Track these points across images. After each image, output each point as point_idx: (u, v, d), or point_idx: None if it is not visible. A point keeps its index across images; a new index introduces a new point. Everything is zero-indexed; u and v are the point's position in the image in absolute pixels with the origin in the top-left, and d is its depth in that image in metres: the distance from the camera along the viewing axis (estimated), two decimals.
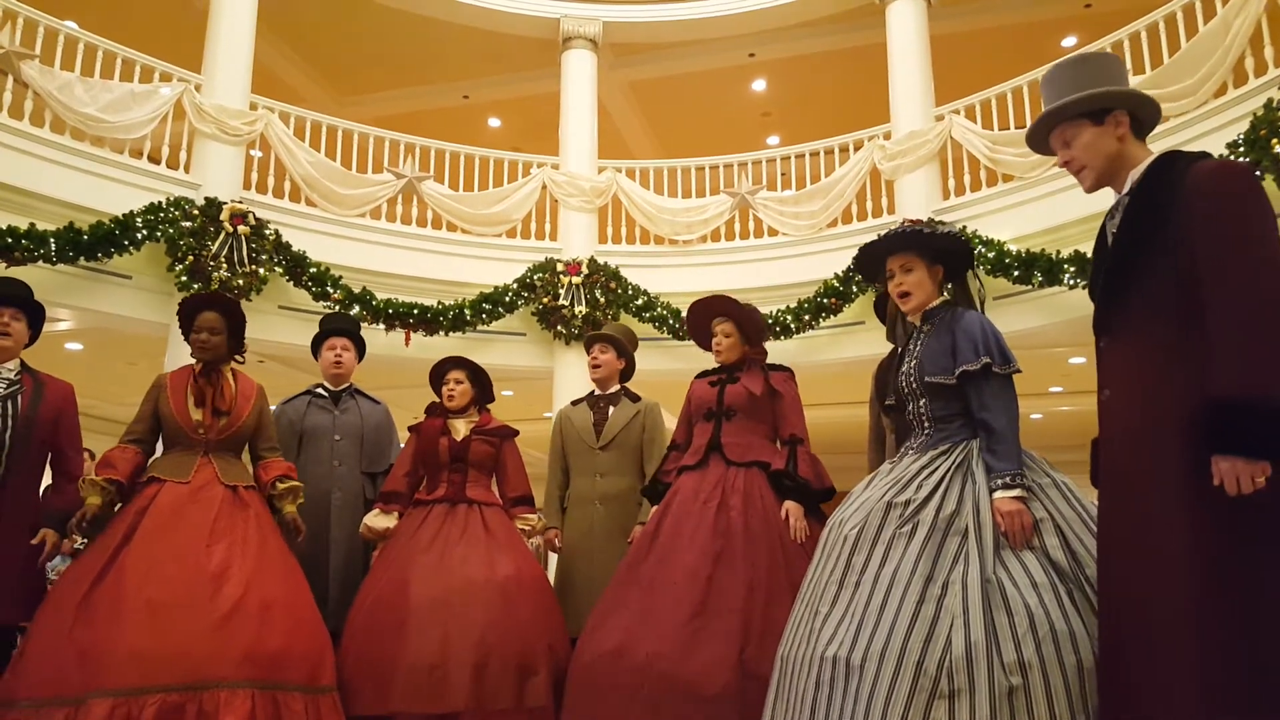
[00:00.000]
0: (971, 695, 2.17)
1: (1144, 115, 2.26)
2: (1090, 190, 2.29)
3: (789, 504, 3.43)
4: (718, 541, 3.32)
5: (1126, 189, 2.20)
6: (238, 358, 3.79)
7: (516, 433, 4.17)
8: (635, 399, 4.43)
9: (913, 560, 2.41)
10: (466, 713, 3.29)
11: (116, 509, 3.41)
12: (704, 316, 3.88)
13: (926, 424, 2.73)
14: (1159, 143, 7.07)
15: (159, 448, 3.64)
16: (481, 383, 4.19)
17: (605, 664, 3.22)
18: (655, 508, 3.71)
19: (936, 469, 2.59)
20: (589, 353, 4.45)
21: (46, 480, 3.65)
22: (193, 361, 3.72)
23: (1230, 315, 1.90)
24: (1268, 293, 1.89)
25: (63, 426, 3.59)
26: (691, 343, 9.03)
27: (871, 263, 2.94)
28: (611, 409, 4.37)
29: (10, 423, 3.42)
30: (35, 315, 3.69)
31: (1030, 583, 2.31)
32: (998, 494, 2.45)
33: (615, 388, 4.47)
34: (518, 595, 3.55)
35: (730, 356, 3.78)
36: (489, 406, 4.26)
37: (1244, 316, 1.89)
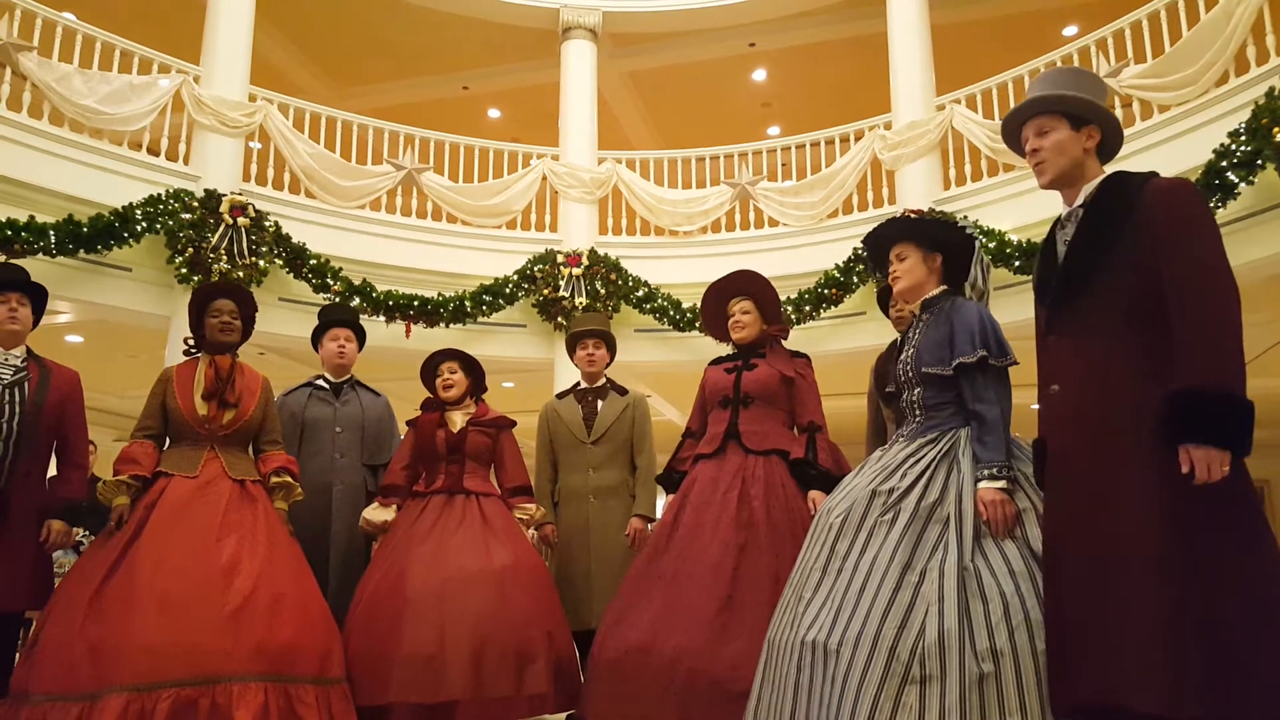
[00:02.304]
0: (942, 681, 2.20)
1: (1111, 140, 2.38)
2: (1045, 185, 2.41)
3: (814, 493, 3.41)
4: (741, 533, 3.30)
5: (1080, 201, 2.33)
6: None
7: (514, 423, 4.17)
8: (623, 392, 4.43)
9: (892, 547, 2.45)
10: (464, 702, 3.29)
11: None
12: (720, 300, 3.85)
13: (918, 412, 2.76)
14: (1160, 130, 7.08)
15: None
16: (475, 373, 4.19)
17: (632, 660, 3.21)
18: (670, 497, 3.69)
19: (923, 457, 2.62)
20: (581, 348, 4.43)
21: (53, 469, 3.66)
22: (192, 357, 3.73)
23: (1198, 315, 2.02)
24: (1228, 296, 2.03)
25: (69, 413, 3.59)
26: (692, 333, 9.04)
27: (879, 256, 3.00)
28: (600, 403, 4.36)
29: (18, 410, 3.42)
30: (38, 300, 3.69)
31: (1008, 571, 2.34)
32: (983, 484, 2.47)
33: (602, 381, 4.47)
34: (514, 584, 3.55)
35: (751, 334, 3.75)
36: (483, 397, 4.26)
37: (1211, 317, 2.01)
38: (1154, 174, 2.25)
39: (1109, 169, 2.39)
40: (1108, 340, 2.16)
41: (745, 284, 3.82)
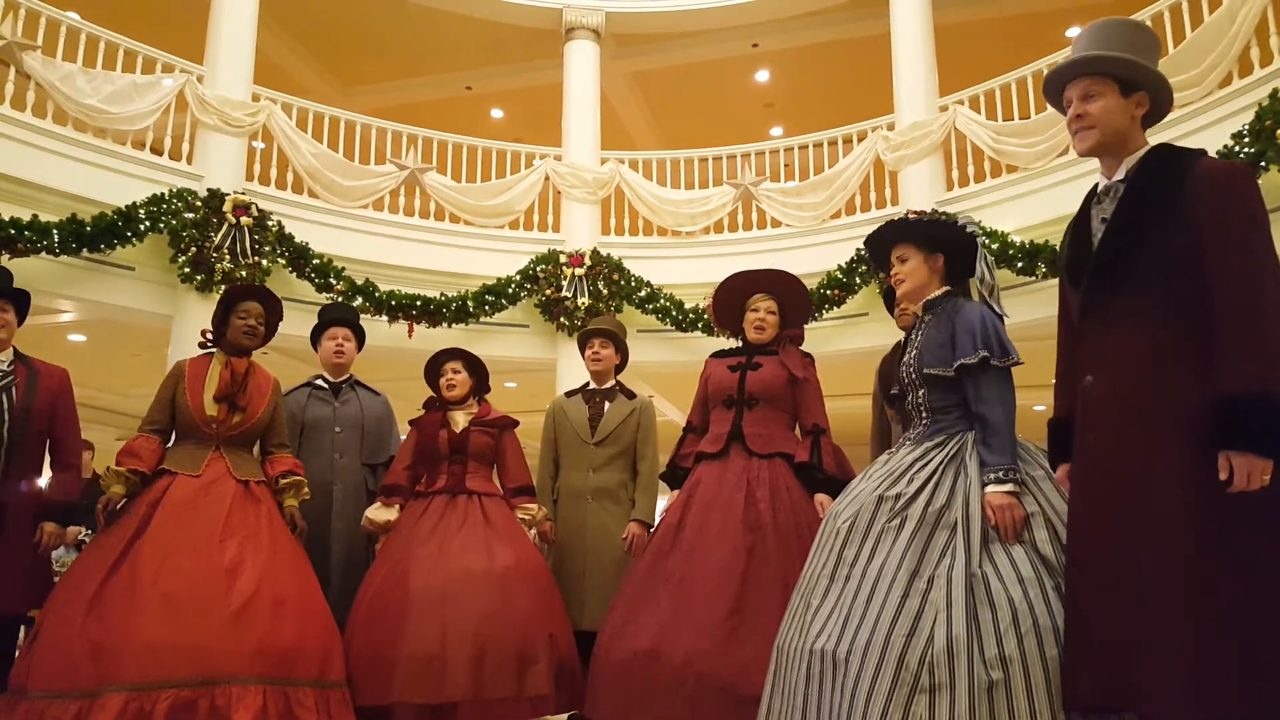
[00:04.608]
0: (952, 689, 2.16)
1: (1160, 107, 2.22)
2: (1084, 152, 2.23)
3: (821, 496, 3.38)
4: (749, 537, 3.28)
5: (1120, 175, 2.18)
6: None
7: (516, 423, 4.16)
8: (631, 395, 4.40)
9: (899, 554, 2.40)
10: (465, 703, 3.29)
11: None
12: (742, 291, 3.80)
13: (924, 415, 2.72)
14: (1163, 132, 7.05)
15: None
16: (478, 373, 4.18)
17: (641, 663, 3.18)
18: (673, 495, 3.68)
19: (930, 461, 2.58)
20: (588, 348, 4.41)
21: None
22: (206, 353, 3.73)
23: (1243, 314, 1.91)
24: (1275, 294, 1.91)
25: (60, 413, 3.59)
26: (695, 334, 9.01)
27: (881, 255, 2.95)
28: (607, 404, 4.33)
29: (7, 415, 3.41)
30: (22, 303, 3.66)
31: (1016, 577, 2.30)
32: (989, 488, 2.43)
33: (610, 382, 4.45)
34: (517, 585, 3.54)
35: (769, 336, 3.72)
36: (486, 397, 4.25)
37: (1256, 317, 1.90)
38: (1203, 152, 2.11)
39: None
40: (1147, 330, 2.06)
41: (774, 283, 3.77)
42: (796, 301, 3.79)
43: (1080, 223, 2.26)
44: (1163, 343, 2.04)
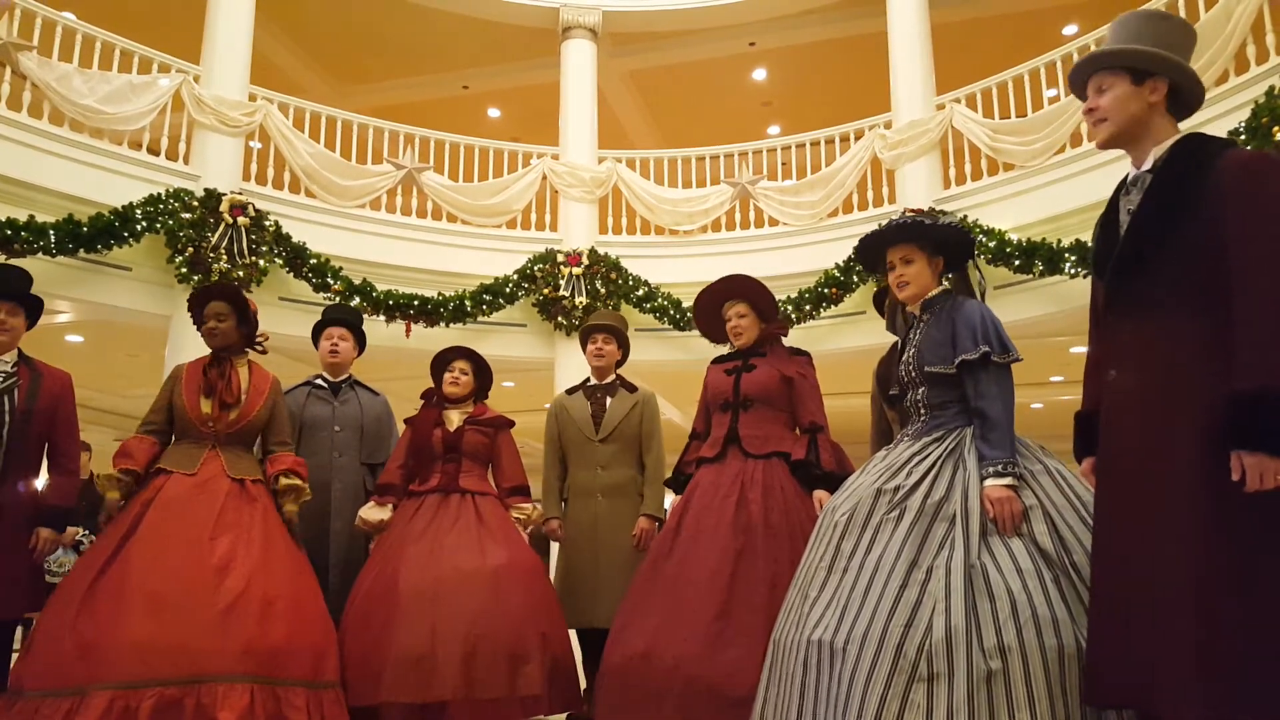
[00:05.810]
0: (950, 678, 2.17)
1: (1186, 93, 2.18)
2: (1101, 145, 2.22)
3: (819, 493, 3.39)
4: (738, 538, 3.28)
5: (1148, 165, 2.15)
6: (256, 348, 3.79)
7: (512, 423, 4.15)
8: (632, 389, 4.39)
9: (898, 545, 2.42)
10: (455, 702, 3.27)
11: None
12: (712, 304, 3.82)
13: (923, 411, 2.74)
14: None
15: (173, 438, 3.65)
16: (483, 376, 4.18)
17: (636, 667, 3.20)
18: (676, 499, 3.69)
19: (928, 455, 2.60)
20: (591, 343, 4.40)
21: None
22: (203, 355, 3.73)
23: (1260, 308, 1.87)
24: None
25: (60, 417, 3.58)
26: (692, 333, 9.03)
27: (872, 254, 2.94)
28: (609, 400, 4.32)
29: (8, 417, 3.41)
30: (32, 306, 3.67)
31: (1015, 568, 2.31)
32: (988, 482, 2.45)
33: (611, 378, 4.43)
34: (510, 584, 3.53)
35: (751, 337, 3.73)
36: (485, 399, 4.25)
37: (1275, 310, 1.86)
38: (1232, 142, 2.10)
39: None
40: (1170, 323, 2.02)
41: (738, 287, 3.78)
42: (761, 296, 3.79)
43: (1109, 214, 2.24)
44: (1185, 337, 2.01)
